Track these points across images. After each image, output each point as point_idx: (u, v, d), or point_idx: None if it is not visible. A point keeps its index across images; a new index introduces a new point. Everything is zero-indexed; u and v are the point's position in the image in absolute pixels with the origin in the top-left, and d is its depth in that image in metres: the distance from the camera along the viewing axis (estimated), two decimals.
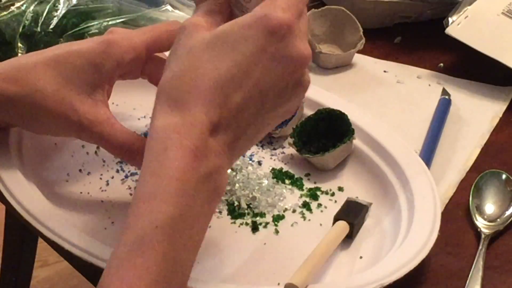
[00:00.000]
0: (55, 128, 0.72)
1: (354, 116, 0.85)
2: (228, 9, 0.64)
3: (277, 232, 0.77)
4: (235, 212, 0.78)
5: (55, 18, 0.98)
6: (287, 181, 0.82)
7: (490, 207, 0.81)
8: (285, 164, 0.85)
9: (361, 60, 1.04)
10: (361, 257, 0.74)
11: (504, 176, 0.83)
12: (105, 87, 0.73)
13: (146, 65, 0.75)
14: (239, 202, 0.78)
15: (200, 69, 0.58)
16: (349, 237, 0.75)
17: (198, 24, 0.61)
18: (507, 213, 0.80)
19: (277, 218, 0.78)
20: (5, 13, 1.08)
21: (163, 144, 0.56)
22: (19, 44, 0.97)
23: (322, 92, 0.91)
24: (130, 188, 0.78)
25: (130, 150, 0.71)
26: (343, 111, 0.84)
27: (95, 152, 0.82)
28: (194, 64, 0.59)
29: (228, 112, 0.58)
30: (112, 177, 0.80)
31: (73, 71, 0.71)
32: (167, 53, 0.67)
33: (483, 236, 0.77)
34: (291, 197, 0.81)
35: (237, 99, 0.59)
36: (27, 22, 1.00)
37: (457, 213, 0.81)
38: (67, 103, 0.70)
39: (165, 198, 0.55)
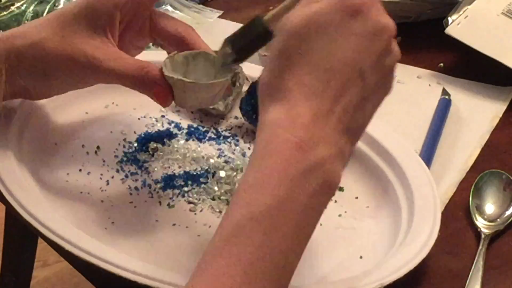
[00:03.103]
0: (66, 77, 0.74)
1: None
2: None
3: None
4: None
5: None
6: None
7: (490, 207, 0.81)
8: None
9: None
10: (361, 257, 0.74)
11: (504, 176, 0.83)
12: (108, 29, 0.74)
13: (154, 26, 0.77)
14: None
15: (296, 66, 0.59)
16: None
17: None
18: (507, 213, 0.80)
19: None
20: (5, 13, 1.08)
21: (268, 139, 0.58)
22: None
23: None
24: (130, 188, 0.78)
25: (144, 83, 0.72)
26: None
27: (95, 152, 0.82)
28: (288, 62, 0.59)
29: (330, 100, 0.59)
30: (112, 177, 0.79)
31: (74, 18, 0.74)
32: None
33: (483, 236, 0.77)
34: None
35: (337, 85, 0.59)
36: (27, 22, 1.00)
37: (457, 213, 0.81)
38: (73, 45, 0.73)
39: (264, 190, 0.56)
